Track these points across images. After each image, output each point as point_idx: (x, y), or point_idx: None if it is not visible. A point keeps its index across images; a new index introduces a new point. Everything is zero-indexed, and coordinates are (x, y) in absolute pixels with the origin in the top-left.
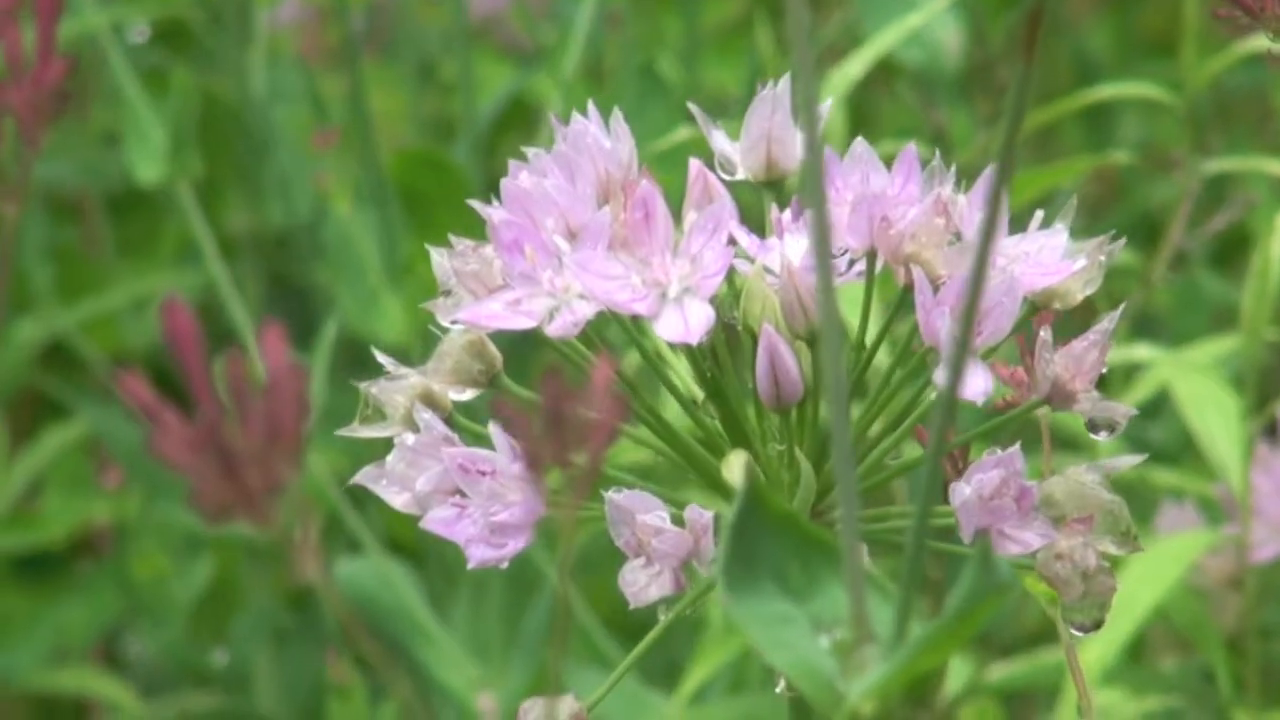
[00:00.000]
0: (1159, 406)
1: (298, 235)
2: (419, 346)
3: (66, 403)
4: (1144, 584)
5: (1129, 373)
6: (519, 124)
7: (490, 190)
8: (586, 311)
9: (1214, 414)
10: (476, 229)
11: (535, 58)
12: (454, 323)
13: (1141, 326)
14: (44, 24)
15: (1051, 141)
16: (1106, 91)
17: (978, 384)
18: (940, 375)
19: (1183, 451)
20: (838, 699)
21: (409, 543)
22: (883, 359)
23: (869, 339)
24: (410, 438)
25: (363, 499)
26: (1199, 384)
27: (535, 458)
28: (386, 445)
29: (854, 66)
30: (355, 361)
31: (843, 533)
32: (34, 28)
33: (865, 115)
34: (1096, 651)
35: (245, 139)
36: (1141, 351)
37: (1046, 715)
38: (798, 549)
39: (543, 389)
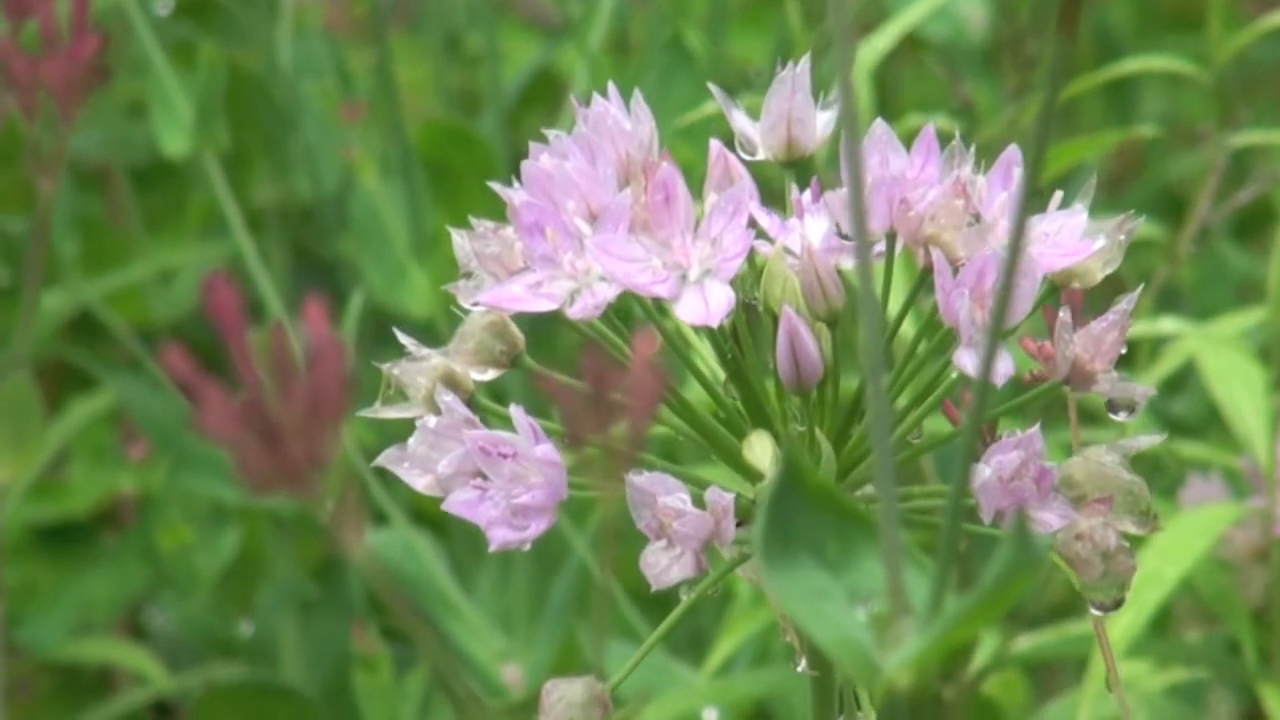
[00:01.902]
0: (1185, 380)
1: (324, 208)
2: (445, 319)
3: (92, 374)
4: (1170, 556)
5: (1155, 346)
6: (545, 97)
7: (516, 163)
8: (607, 294)
9: (1240, 387)
10: (502, 202)
11: (561, 30)
12: (475, 305)
13: (1166, 300)
14: None
15: (1074, 115)
16: (1133, 65)
17: (998, 366)
18: (960, 356)
19: (1208, 424)
20: (875, 671)
21: (434, 515)
22: (906, 335)
23: (890, 320)
24: (432, 420)
25: (388, 471)
26: (1225, 357)
27: (576, 433)
28: (412, 422)
29: (881, 40)
30: (382, 334)
31: (880, 506)
32: (68, 1)
33: (890, 88)
34: (1122, 624)
35: (272, 111)
36: (1167, 325)
37: (1072, 686)
38: (834, 522)
39: (584, 364)
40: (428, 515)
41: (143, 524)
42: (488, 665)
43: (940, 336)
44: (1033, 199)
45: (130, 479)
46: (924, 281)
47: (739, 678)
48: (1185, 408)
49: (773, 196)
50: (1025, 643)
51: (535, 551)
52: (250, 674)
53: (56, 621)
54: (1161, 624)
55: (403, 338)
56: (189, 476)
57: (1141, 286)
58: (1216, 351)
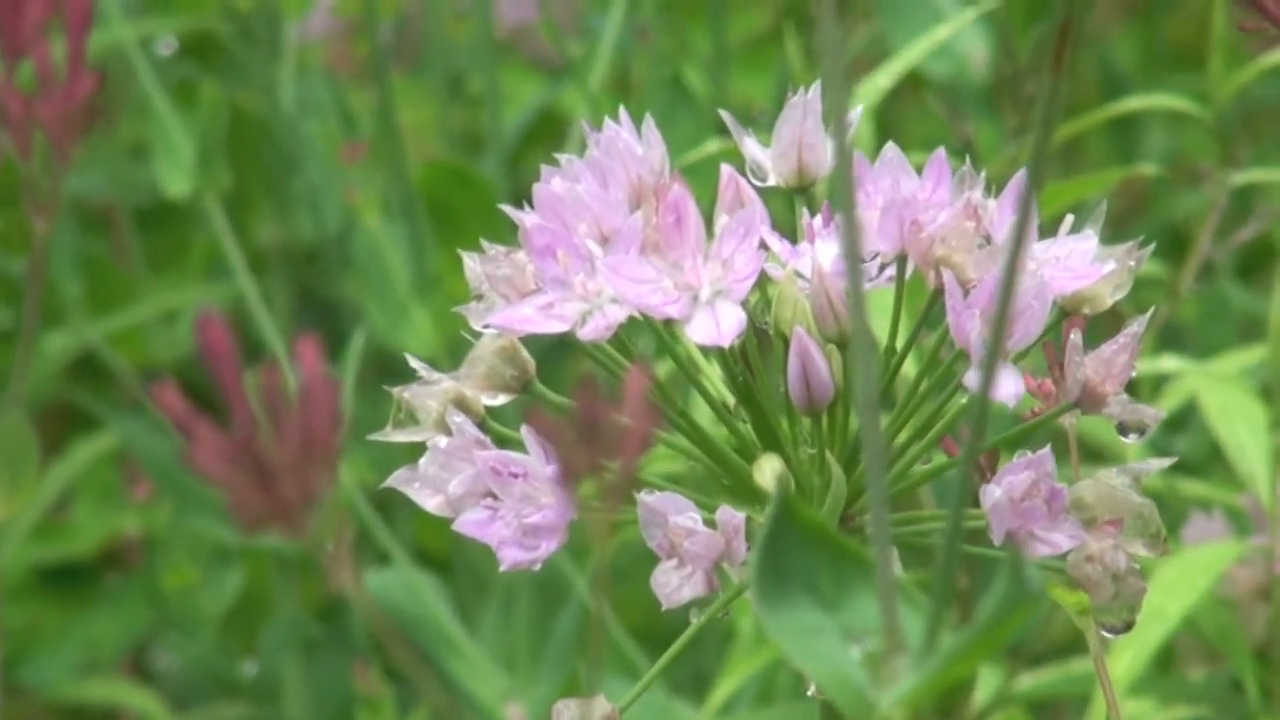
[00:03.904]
0: (1186, 418)
1: (327, 248)
2: (447, 359)
3: (96, 414)
4: (1172, 594)
5: (1157, 384)
6: (547, 137)
7: (517, 203)
8: (618, 315)
9: (1242, 425)
10: (504, 242)
11: (563, 70)
12: (486, 327)
13: (1168, 338)
14: (74, 38)
15: (1077, 153)
16: (1135, 103)
17: (1009, 386)
18: (971, 378)
19: (1210, 462)
20: (869, 708)
21: (437, 554)
22: (911, 365)
23: (899, 343)
24: (443, 440)
25: (390, 510)
26: (1227, 395)
27: (570, 467)
28: (414, 456)
29: (882, 78)
30: (384, 374)
31: (874, 543)
32: (64, 41)
33: (892, 127)
34: (1125, 661)
35: (274, 152)
36: (1169, 363)
37: None
38: (829, 560)
39: (577, 398)
40: (431, 555)
41: (147, 564)
42: (491, 705)
43: (948, 364)
44: (1028, 236)
45: (134, 520)
46: (935, 303)
47: (741, 717)
48: (1187, 446)
49: (781, 227)
50: (1028, 681)
51: (538, 590)
52: (254, 714)
53: (61, 662)
54: (1164, 662)
55: (414, 362)
56: (192, 517)
57: (1152, 310)
58: (1218, 389)
